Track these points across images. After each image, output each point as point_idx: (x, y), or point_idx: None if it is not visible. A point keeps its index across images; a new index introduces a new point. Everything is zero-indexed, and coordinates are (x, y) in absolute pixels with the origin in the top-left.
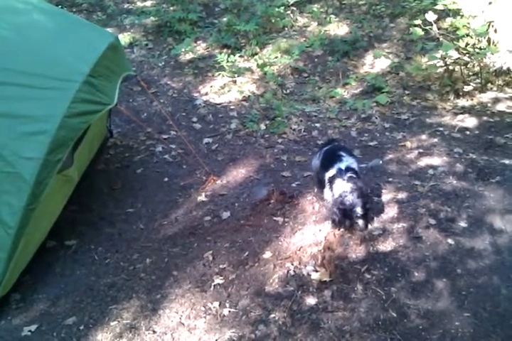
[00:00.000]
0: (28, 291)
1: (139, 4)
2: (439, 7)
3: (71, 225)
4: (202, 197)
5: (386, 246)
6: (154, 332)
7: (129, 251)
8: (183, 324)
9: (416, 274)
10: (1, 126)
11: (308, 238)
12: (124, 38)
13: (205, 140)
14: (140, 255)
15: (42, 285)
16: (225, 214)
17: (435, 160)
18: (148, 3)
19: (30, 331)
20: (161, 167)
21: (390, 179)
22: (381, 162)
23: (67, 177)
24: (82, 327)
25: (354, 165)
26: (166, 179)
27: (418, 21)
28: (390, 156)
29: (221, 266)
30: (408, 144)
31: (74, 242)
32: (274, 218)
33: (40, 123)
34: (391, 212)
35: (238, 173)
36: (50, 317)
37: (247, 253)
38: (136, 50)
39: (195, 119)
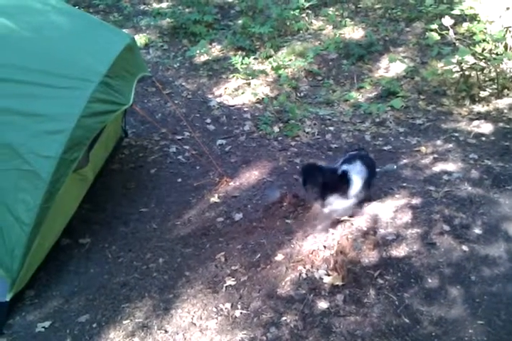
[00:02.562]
0: (42, 288)
1: (155, 6)
2: (456, 12)
3: (85, 224)
4: (215, 199)
5: (399, 251)
6: (166, 331)
7: (142, 251)
8: (195, 324)
9: (429, 280)
10: (18, 124)
11: (320, 241)
12: (140, 39)
13: (219, 141)
14: (153, 254)
15: (56, 282)
16: (238, 216)
17: (450, 166)
18: (164, 5)
19: (43, 327)
20: (174, 167)
21: (404, 184)
22: (395, 167)
23: (82, 177)
24: (94, 325)
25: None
26: (180, 179)
27: (434, 26)
28: (405, 161)
29: (233, 268)
30: (423, 149)
31: (88, 241)
32: (287, 221)
33: (57, 122)
34: (405, 217)
35: (251, 175)
36: (63, 314)
37: (259, 255)
38: (152, 51)
39: (209, 121)
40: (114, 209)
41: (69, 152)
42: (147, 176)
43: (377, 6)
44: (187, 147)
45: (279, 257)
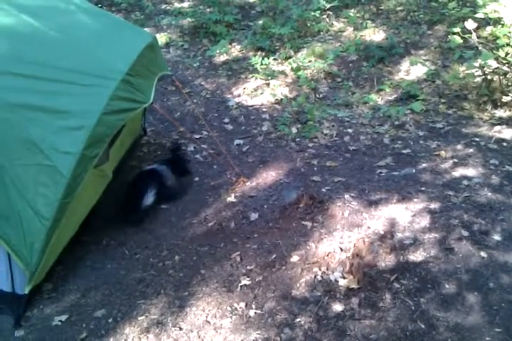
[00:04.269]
0: (59, 282)
1: (177, 5)
2: (479, 15)
3: (103, 220)
4: (231, 198)
5: (417, 256)
6: (181, 328)
7: (159, 248)
8: (209, 322)
9: (446, 286)
10: (41, 120)
11: (336, 244)
12: (161, 38)
13: (236, 141)
14: (169, 252)
15: (73, 276)
16: (254, 216)
17: (470, 171)
18: (185, 5)
19: (60, 321)
20: (192, 166)
21: (423, 188)
22: (414, 170)
23: (102, 173)
24: (110, 320)
25: None
26: (197, 178)
27: (457, 29)
28: (424, 165)
29: (248, 268)
30: (442, 153)
31: (106, 237)
32: (303, 222)
33: (79, 118)
34: (423, 221)
35: (268, 176)
36: (80, 308)
37: (274, 255)
38: (172, 50)
39: (227, 120)
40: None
41: (89, 148)
42: None
43: (399, 8)
44: (205, 146)
45: (295, 258)
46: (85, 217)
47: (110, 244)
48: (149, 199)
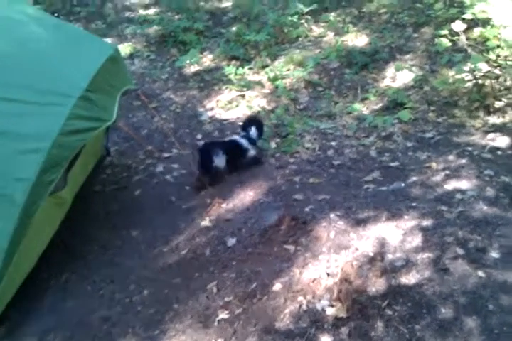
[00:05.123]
0: (14, 325)
1: (141, 12)
2: (468, 16)
3: (63, 252)
4: (206, 222)
5: (409, 278)
6: None
7: (126, 282)
8: None
9: (443, 310)
10: None
11: (322, 269)
12: (125, 49)
13: None
14: (137, 286)
15: (29, 318)
16: (231, 241)
17: (463, 184)
18: (151, 12)
19: None
20: (161, 188)
21: (414, 204)
22: (403, 185)
23: (59, 200)
24: None
25: None
26: (167, 201)
27: (444, 31)
28: (414, 178)
29: (226, 299)
30: (433, 165)
31: (66, 271)
32: (285, 246)
33: (33, 141)
34: (415, 240)
35: (246, 196)
36: None
37: (254, 284)
38: (138, 61)
39: (199, 136)
40: (95, 235)
41: (46, 173)
42: (131, 198)
43: (382, 11)
44: (175, 166)
45: (277, 287)
46: (43, 250)
47: (71, 279)
48: (220, 161)
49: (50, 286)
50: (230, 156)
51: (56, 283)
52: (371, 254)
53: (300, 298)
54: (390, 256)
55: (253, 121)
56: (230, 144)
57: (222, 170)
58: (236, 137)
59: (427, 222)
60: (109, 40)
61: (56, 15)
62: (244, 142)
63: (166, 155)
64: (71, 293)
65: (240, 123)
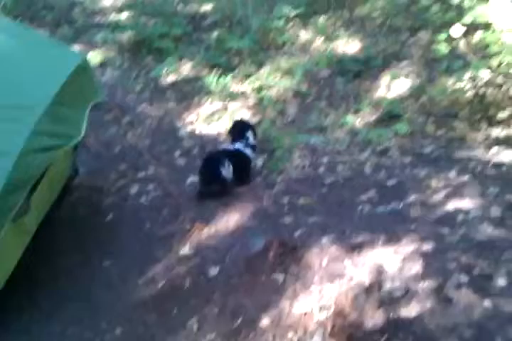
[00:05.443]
0: None
1: (113, 17)
2: (467, 20)
3: (26, 286)
4: (185, 250)
5: (410, 310)
6: None
7: (96, 319)
8: None
9: None
10: None
11: (314, 301)
12: (95, 57)
13: (190, 179)
14: (109, 324)
15: None
16: (214, 271)
17: (466, 203)
18: (123, 16)
19: None
20: (136, 212)
21: (413, 226)
22: (401, 205)
23: (22, 227)
24: None
25: None
26: (142, 227)
27: (442, 36)
28: (412, 198)
29: (208, 337)
30: (433, 183)
31: (29, 308)
32: (273, 275)
33: None
34: (415, 267)
35: (230, 220)
36: None
37: (240, 320)
38: (109, 71)
39: (178, 154)
40: (61, 267)
41: (5, 198)
42: (103, 224)
43: (375, 14)
44: (151, 187)
45: (265, 322)
46: (3, 284)
47: (34, 318)
48: (227, 171)
49: (11, 327)
50: (236, 167)
51: (18, 323)
52: (367, 283)
53: (290, 335)
54: (388, 285)
55: (246, 125)
56: (236, 153)
57: (228, 182)
58: (238, 145)
59: (427, 246)
60: (77, 48)
61: (19, 20)
62: (248, 151)
63: (140, 175)
64: (34, 333)
65: (226, 133)
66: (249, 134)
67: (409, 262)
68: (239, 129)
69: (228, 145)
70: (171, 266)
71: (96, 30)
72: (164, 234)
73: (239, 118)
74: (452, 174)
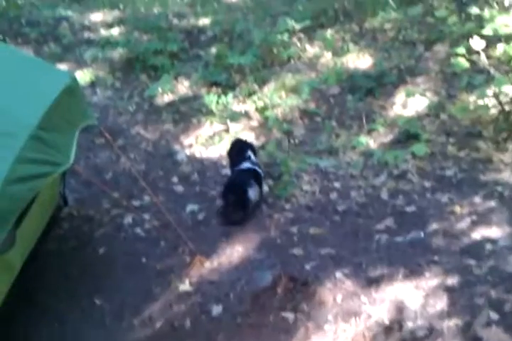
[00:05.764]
0: None
1: (103, 33)
2: (487, 31)
3: (10, 327)
4: (185, 286)
5: None
6: None
7: None
8: None
9: None
10: None
11: None
12: (84, 76)
13: (190, 207)
14: None
15: None
16: (217, 310)
17: (494, 231)
18: (114, 32)
19: None
20: (130, 245)
21: (436, 258)
22: (422, 234)
23: (6, 263)
24: None
25: None
26: (138, 261)
27: (461, 49)
28: (434, 226)
29: None
30: (457, 209)
31: None
32: (283, 314)
33: None
34: (439, 303)
35: (233, 252)
36: None
37: None
38: (100, 91)
39: (175, 180)
40: (49, 305)
41: None
42: (94, 258)
43: (387, 26)
44: (147, 216)
45: None
46: None
47: None
48: (253, 193)
49: None
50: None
51: None
52: (387, 322)
53: None
54: (409, 324)
55: (245, 143)
56: (255, 173)
57: (253, 204)
58: (249, 165)
59: (452, 280)
60: (65, 67)
61: (1, 38)
62: (260, 171)
63: (135, 203)
64: None
65: (224, 163)
66: (250, 153)
67: (432, 298)
68: (238, 148)
69: (242, 165)
70: (169, 304)
71: (85, 47)
72: (162, 269)
73: (236, 138)
74: (477, 199)
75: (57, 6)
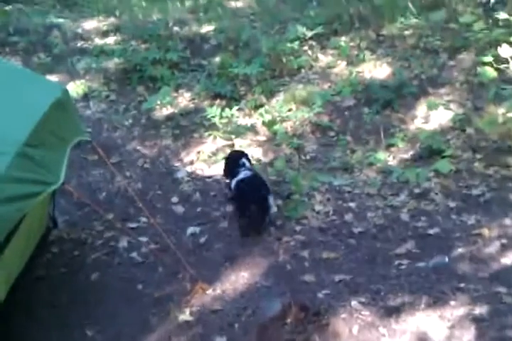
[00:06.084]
0: None
1: (98, 41)
2: None
3: None
4: (185, 316)
5: None
6: None
7: None
8: None
9: None
10: None
11: None
12: (77, 88)
13: (190, 230)
14: None
15: None
16: None
17: None
18: (110, 40)
19: None
20: (126, 270)
21: (462, 284)
22: (447, 259)
23: None
24: None
25: None
26: (134, 288)
27: (488, 58)
28: (460, 250)
29: None
30: (485, 232)
31: None
32: None
33: None
34: (466, 335)
35: (238, 278)
36: None
37: None
38: (94, 104)
39: (175, 200)
40: (37, 337)
41: None
42: (86, 285)
43: (407, 33)
44: (144, 239)
45: None
46: None
47: None
48: (273, 204)
49: None
50: None
51: None
52: None
53: None
54: None
55: (240, 153)
56: (261, 178)
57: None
58: (249, 172)
59: (480, 310)
60: (55, 78)
61: None
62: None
63: (131, 225)
64: None
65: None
66: (245, 160)
67: (458, 329)
68: (233, 159)
69: (241, 173)
70: (168, 336)
71: (78, 57)
72: (160, 297)
73: (232, 151)
74: (508, 221)
75: (47, 12)
